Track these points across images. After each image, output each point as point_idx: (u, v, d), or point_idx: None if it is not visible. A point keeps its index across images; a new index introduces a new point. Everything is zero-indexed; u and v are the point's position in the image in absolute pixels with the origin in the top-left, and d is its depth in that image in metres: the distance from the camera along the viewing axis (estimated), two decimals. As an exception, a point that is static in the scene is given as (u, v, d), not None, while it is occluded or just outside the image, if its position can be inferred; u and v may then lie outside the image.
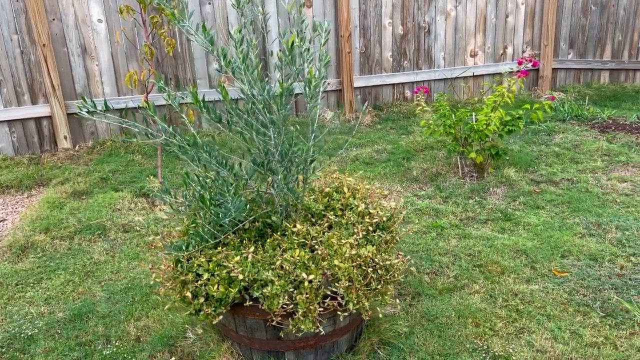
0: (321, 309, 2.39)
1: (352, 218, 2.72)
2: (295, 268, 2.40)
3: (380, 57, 6.85)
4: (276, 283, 2.34)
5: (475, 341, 2.83)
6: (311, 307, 2.38)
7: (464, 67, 7.12)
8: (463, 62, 7.22)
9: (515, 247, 3.72)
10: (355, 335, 2.81)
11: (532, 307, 3.08)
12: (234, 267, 2.37)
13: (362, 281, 2.47)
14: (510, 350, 2.73)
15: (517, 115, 4.67)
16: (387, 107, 7.04)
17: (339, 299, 2.44)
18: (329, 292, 2.44)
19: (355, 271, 2.47)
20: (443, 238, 3.92)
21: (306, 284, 2.38)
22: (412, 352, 2.76)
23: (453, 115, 4.74)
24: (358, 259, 2.51)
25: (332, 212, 2.77)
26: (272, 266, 2.41)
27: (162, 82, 2.53)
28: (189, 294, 2.42)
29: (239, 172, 2.52)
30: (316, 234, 2.58)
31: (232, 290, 2.37)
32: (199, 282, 2.41)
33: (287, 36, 2.38)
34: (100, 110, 2.41)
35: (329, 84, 6.68)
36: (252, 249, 2.45)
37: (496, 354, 2.71)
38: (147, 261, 3.71)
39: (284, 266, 2.40)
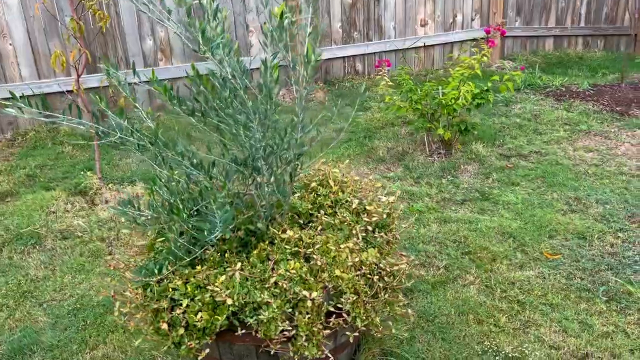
0: (326, 331, 2.03)
1: (347, 217, 2.36)
2: (292, 284, 2.02)
3: (329, 29, 6.44)
4: (273, 305, 1.95)
5: (482, 341, 2.58)
6: (314, 329, 2.02)
7: (415, 37, 6.84)
8: (413, 32, 6.95)
9: (501, 230, 3.51)
10: (355, 348, 2.49)
11: (533, 297, 2.87)
12: (219, 289, 1.96)
13: (368, 292, 2.14)
14: (523, 350, 2.50)
15: (486, 88, 4.44)
16: (338, 81, 6.67)
17: (345, 315, 2.09)
18: (331, 309, 2.09)
19: (360, 281, 2.13)
20: (423, 224, 3.66)
21: (308, 302, 2.01)
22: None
23: (418, 90, 4.44)
24: (362, 266, 2.16)
25: (321, 212, 2.40)
26: (265, 284, 2.02)
27: (102, 63, 2.03)
28: (164, 325, 1.98)
29: (216, 174, 2.08)
30: (310, 240, 2.20)
31: (218, 317, 1.96)
32: (177, 311, 1.98)
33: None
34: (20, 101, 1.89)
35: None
36: (238, 265, 2.04)
37: (509, 355, 2.48)
38: (97, 274, 3.20)
39: (279, 283, 2.01)
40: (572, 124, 5.30)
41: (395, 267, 2.21)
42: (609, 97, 5.91)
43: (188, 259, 2.07)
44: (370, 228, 2.34)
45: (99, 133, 2.01)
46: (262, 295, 1.98)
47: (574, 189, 4.02)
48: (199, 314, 1.95)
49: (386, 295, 2.19)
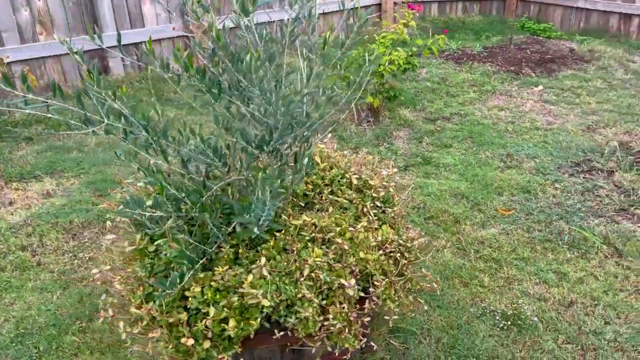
0: (366, 318, 1.89)
1: (352, 195, 2.20)
2: (325, 274, 1.84)
3: (227, -4, 6.03)
4: (315, 300, 1.76)
5: (475, 303, 2.62)
6: (351, 319, 1.86)
7: (319, 4, 6.69)
8: (311, -1, 6.79)
9: (452, 191, 3.58)
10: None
11: (505, 253, 2.97)
12: (250, 290, 1.71)
13: (393, 271, 2.02)
14: (517, 306, 2.57)
15: (411, 53, 4.47)
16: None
17: (375, 298, 1.96)
18: (361, 294, 1.95)
19: (385, 261, 2.00)
20: (376, 193, 3.60)
21: (343, 291, 1.85)
22: (424, 333, 2.43)
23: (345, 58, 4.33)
24: (386, 245, 2.04)
25: (323, 192, 2.22)
26: (292, 277, 1.81)
27: None
28: (189, 341, 1.70)
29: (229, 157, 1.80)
30: (324, 224, 2.02)
31: (252, 322, 1.72)
32: (200, 322, 1.70)
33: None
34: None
35: (174, 28, 5.69)
36: (263, 260, 1.80)
37: (506, 312, 2.53)
38: (31, 290, 2.70)
39: (313, 274, 1.82)
40: (478, 85, 5.57)
41: (415, 242, 2.12)
42: (501, 58, 6.30)
43: (201, 261, 1.79)
44: (378, 204, 2.22)
45: (70, 121, 1.63)
46: (296, 289, 1.77)
47: (502, 146, 4.23)
48: (230, 322, 1.70)
49: (407, 271, 2.09)
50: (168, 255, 1.83)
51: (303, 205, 2.19)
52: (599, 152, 4.08)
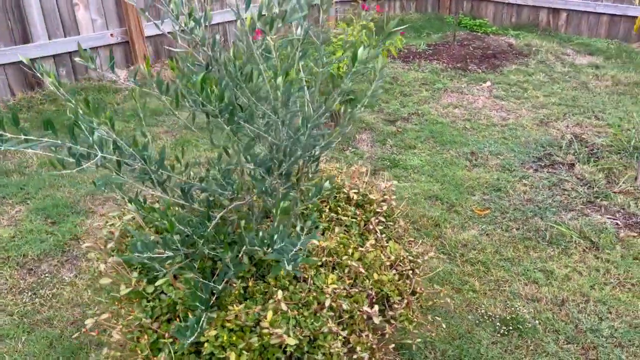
0: (390, 345, 1.79)
1: (355, 212, 2.09)
2: (345, 302, 1.72)
3: (167, -1, 5.72)
4: (341, 333, 1.63)
5: (472, 310, 2.58)
6: (374, 347, 1.76)
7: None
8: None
9: (426, 194, 3.55)
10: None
11: (489, 255, 2.96)
12: (271, 327, 1.57)
13: (408, 290, 1.93)
14: (513, 310, 2.56)
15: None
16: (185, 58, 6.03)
17: (393, 321, 1.87)
18: (378, 319, 1.84)
19: (401, 281, 1.91)
20: (350, 200, 3.51)
21: (360, 317, 1.74)
22: (428, 347, 2.37)
23: (305, 61, 4.21)
24: (399, 264, 1.95)
25: (319, 209, 2.09)
26: (320, 308, 1.68)
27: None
28: (209, 393, 1.53)
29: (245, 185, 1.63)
30: (333, 246, 1.90)
31: (276, 364, 1.58)
32: (222, 370, 1.53)
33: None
34: None
35: (112, 35, 5.33)
36: (279, 293, 1.65)
37: (505, 318, 2.52)
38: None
39: (334, 304, 1.69)
40: (429, 83, 5.61)
41: (426, 257, 2.04)
42: (446, 55, 6.39)
43: (212, 300, 1.62)
44: (382, 219, 2.12)
45: (65, 158, 1.42)
46: (319, 323, 1.64)
47: (464, 144, 4.26)
48: (252, 366, 1.55)
49: (418, 288, 2.01)
50: (172, 296, 1.65)
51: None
52: (557, 145, 4.19)
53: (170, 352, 1.58)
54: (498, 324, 2.49)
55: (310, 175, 1.87)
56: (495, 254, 2.97)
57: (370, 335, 1.72)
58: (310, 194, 1.75)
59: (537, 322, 2.49)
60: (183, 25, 1.76)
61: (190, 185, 1.63)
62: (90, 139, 1.39)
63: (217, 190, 1.55)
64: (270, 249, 1.47)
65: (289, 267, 1.34)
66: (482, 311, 2.57)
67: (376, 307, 1.72)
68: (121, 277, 1.71)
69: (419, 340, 2.20)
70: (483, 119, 4.75)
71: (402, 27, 1.70)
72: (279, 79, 1.47)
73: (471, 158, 4.04)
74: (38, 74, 1.47)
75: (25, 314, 2.56)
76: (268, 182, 1.73)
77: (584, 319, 2.51)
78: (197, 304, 1.54)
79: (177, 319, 1.64)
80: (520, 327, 2.47)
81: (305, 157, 1.72)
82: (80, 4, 5.08)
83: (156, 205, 1.92)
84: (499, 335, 2.44)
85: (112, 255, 1.75)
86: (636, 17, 6.77)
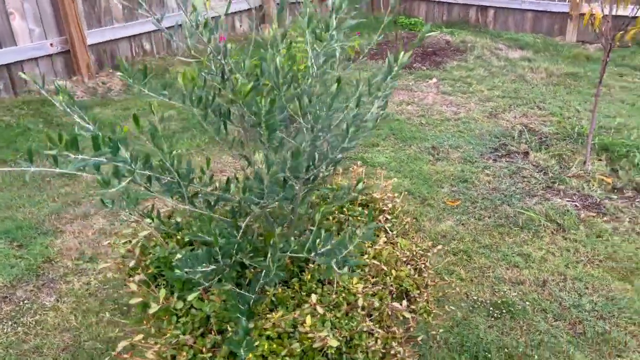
0: (418, 338, 1.85)
1: (360, 211, 2.14)
2: (375, 300, 1.76)
3: (107, 3, 5.49)
4: (379, 331, 1.67)
5: (463, 298, 2.70)
6: (402, 340, 1.81)
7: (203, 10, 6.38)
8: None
9: (398, 190, 3.65)
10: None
11: (469, 244, 3.10)
12: (313, 332, 1.58)
13: (423, 283, 2.00)
14: (501, 294, 2.70)
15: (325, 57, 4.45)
16: (129, 65, 5.81)
17: (413, 314, 1.93)
18: (407, 314, 1.89)
19: (417, 275, 1.98)
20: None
21: (386, 314, 1.79)
22: (430, 337, 2.45)
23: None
24: (412, 260, 2.01)
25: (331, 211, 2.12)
26: (340, 309, 1.71)
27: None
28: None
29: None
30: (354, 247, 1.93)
31: (319, 367, 1.59)
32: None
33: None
34: None
35: (51, 45, 5.06)
36: (313, 297, 1.67)
37: (496, 302, 2.65)
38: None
39: (366, 303, 1.73)
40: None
41: (435, 250, 2.12)
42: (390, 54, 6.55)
43: (248, 310, 1.61)
44: (389, 217, 2.18)
45: (103, 176, 1.36)
46: (354, 323, 1.67)
47: (424, 139, 4.41)
48: (298, 372, 1.55)
49: (437, 281, 2.09)
50: (205, 310, 1.62)
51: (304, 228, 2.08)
52: (509, 135, 4.44)
53: (209, 366, 1.55)
54: (490, 308, 2.62)
55: (325, 179, 1.89)
56: (474, 242, 3.12)
57: (398, 330, 1.77)
58: (333, 196, 1.77)
59: (525, 303, 2.65)
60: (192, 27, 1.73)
61: (219, 197, 1.61)
62: (127, 154, 1.34)
63: (254, 200, 1.54)
64: (313, 253, 1.49)
65: (344, 270, 1.36)
66: (474, 298, 2.69)
67: (404, 302, 1.78)
68: (148, 296, 1.66)
69: (442, 330, 2.28)
70: (436, 114, 4.94)
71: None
72: (334, 86, 1.49)
73: (433, 152, 4.20)
74: None
75: (9, 345, 2.41)
76: (296, 188, 1.74)
77: (565, 297, 2.69)
78: (238, 315, 1.53)
79: (212, 333, 1.61)
80: (511, 309, 2.61)
81: (328, 160, 1.74)
82: (16, 13, 4.78)
83: (172, 220, 1.87)
84: (493, 319, 2.56)
85: (137, 274, 1.68)
86: (558, 12, 7.27)
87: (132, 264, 1.73)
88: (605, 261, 2.96)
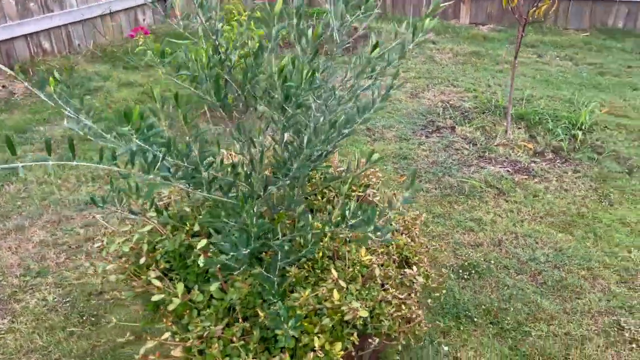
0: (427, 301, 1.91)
1: (354, 188, 2.16)
2: (390, 269, 1.81)
3: (-3, 1, 4.97)
4: (400, 297, 1.71)
5: (432, 264, 2.82)
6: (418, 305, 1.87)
7: (99, 4, 5.96)
8: (94, -1, 6.03)
9: (345, 171, 3.72)
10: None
11: (423, 214, 3.23)
12: (344, 305, 1.59)
13: (419, 249, 2.08)
14: (467, 258, 2.86)
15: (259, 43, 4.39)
16: (27, 66, 5.31)
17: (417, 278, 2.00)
18: (421, 279, 1.96)
19: (412, 243, 2.05)
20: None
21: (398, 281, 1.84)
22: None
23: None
24: (405, 229, 2.08)
25: (322, 195, 2.13)
26: (357, 281, 1.74)
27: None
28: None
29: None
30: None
31: (352, 338, 1.60)
32: (309, 356, 1.52)
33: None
34: None
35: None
36: (334, 272, 1.68)
37: (461, 264, 2.80)
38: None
39: (383, 272, 1.76)
40: (298, 69, 5.76)
41: (422, 218, 2.20)
42: (303, 42, 6.60)
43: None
44: (375, 191, 2.22)
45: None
46: (375, 293, 1.70)
47: (357, 122, 4.51)
48: (336, 346, 1.55)
49: (428, 247, 2.17)
50: (233, 298, 1.56)
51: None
52: (435, 112, 4.67)
53: (240, 354, 1.50)
54: (460, 271, 2.77)
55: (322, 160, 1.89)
56: (429, 213, 3.26)
57: (414, 295, 1.82)
58: (326, 176, 1.78)
59: (489, 263, 2.83)
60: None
61: (231, 182, 1.55)
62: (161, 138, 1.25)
63: (278, 181, 1.51)
64: (344, 226, 1.49)
65: (387, 237, 1.38)
66: (441, 262, 2.82)
67: (415, 268, 1.83)
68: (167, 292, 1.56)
69: (444, 291, 2.39)
70: (361, 97, 5.05)
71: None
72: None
73: (369, 134, 4.31)
74: None
75: (-30, 377, 2.16)
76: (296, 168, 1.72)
77: (521, 252, 2.91)
78: (270, 297, 1.50)
79: (241, 321, 1.56)
80: (477, 269, 2.77)
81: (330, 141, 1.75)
82: None
83: (170, 209, 1.77)
84: (463, 280, 2.71)
85: (152, 270, 1.57)
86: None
87: (142, 260, 1.61)
88: (545, 217, 3.24)
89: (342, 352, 1.54)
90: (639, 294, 2.61)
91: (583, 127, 4.26)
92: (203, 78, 1.58)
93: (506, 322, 2.44)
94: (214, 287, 1.55)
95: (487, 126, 4.38)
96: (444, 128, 4.40)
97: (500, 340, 2.37)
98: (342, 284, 1.65)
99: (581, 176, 3.68)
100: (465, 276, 2.73)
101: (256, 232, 1.41)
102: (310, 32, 1.56)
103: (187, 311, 1.57)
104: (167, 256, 1.62)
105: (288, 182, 1.63)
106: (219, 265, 1.51)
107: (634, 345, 2.33)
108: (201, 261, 1.50)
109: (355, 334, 1.61)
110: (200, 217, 1.67)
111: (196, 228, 1.63)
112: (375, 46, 1.67)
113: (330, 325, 1.58)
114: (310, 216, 1.64)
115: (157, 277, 1.55)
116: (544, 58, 6.23)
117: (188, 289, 1.61)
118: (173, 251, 1.62)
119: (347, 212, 1.49)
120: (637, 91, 5.20)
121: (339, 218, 1.51)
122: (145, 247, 1.63)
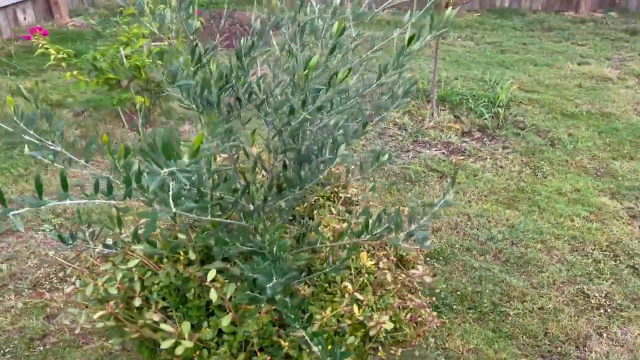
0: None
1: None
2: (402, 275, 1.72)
3: None
4: (416, 304, 1.63)
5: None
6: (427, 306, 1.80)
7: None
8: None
9: (286, 168, 3.58)
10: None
11: (377, 205, 3.19)
12: (360, 321, 1.48)
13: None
14: (443, 243, 2.86)
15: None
16: None
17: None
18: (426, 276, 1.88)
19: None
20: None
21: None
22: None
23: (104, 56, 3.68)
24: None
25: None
26: (376, 287, 1.64)
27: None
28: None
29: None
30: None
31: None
32: None
33: None
34: None
35: None
36: (349, 285, 1.55)
37: (428, 252, 2.79)
38: None
39: (392, 278, 1.67)
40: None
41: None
42: (217, 35, 6.29)
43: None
44: (355, 190, 2.11)
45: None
46: (390, 300, 1.61)
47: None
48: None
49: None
50: (248, 330, 1.38)
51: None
52: (360, 100, 4.64)
53: None
54: (427, 259, 2.75)
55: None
56: (382, 203, 3.22)
57: (420, 295, 1.75)
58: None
59: (454, 248, 2.84)
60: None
61: (235, 201, 1.37)
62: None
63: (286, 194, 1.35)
64: (367, 234, 1.37)
65: (427, 244, 1.28)
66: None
67: (422, 268, 1.76)
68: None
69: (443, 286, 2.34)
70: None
71: None
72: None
73: (301, 126, 4.18)
74: None
75: None
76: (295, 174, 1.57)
77: (479, 233, 2.96)
78: (296, 324, 1.34)
79: (259, 354, 1.39)
80: (443, 255, 2.78)
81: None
82: None
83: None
84: (433, 268, 2.70)
85: (155, 313, 1.34)
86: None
87: (137, 303, 1.37)
88: (489, 195, 3.33)
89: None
90: (592, 260, 2.76)
91: (502, 105, 4.45)
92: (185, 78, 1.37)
93: (484, 305, 2.47)
94: (226, 321, 1.36)
95: (413, 110, 4.44)
96: (373, 115, 4.38)
97: (482, 324, 2.38)
98: (359, 296, 1.53)
99: (511, 152, 3.84)
100: (434, 263, 2.73)
101: (284, 258, 1.25)
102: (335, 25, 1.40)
103: (198, 352, 1.36)
104: (161, 292, 1.40)
105: (296, 194, 1.47)
106: (235, 298, 1.33)
107: (601, 311, 2.45)
108: (213, 294, 1.31)
109: (380, 349, 1.51)
110: (192, 243, 1.46)
111: (192, 257, 1.41)
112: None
113: (356, 343, 1.46)
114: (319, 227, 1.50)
115: (161, 319, 1.32)
116: (447, 39, 6.45)
117: (192, 327, 1.40)
118: (168, 286, 1.40)
119: (369, 220, 1.37)
120: (537, 67, 5.55)
121: (359, 227, 1.38)
122: (137, 286, 1.38)
